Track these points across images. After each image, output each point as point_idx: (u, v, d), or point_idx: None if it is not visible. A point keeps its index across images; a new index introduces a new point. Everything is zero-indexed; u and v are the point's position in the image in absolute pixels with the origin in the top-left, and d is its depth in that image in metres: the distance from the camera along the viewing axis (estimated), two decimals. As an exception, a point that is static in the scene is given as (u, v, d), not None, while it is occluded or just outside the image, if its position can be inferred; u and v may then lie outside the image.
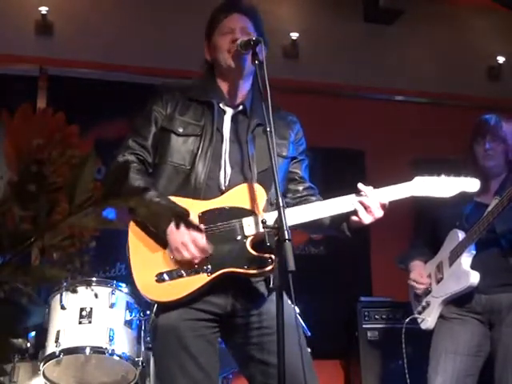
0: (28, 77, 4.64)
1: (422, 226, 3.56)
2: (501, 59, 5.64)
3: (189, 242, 2.13)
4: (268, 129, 2.10)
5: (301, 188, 2.45)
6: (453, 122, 5.23)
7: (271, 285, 2.23)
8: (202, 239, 2.14)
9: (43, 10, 4.68)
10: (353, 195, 2.24)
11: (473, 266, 3.05)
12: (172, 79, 2.85)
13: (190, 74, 2.60)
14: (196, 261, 2.15)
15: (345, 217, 2.26)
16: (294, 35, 5.19)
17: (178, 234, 2.14)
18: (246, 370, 2.29)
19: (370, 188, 2.24)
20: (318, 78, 5.24)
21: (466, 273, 3.04)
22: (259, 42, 2.23)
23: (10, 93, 4.38)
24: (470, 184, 2.43)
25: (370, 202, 2.20)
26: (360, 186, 2.24)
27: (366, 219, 2.21)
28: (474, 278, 3.01)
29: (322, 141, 4.95)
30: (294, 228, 2.10)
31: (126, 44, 4.87)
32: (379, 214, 2.21)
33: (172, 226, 2.14)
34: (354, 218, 2.22)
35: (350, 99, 5.32)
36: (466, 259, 3.07)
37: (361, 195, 2.23)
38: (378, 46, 5.45)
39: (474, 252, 3.07)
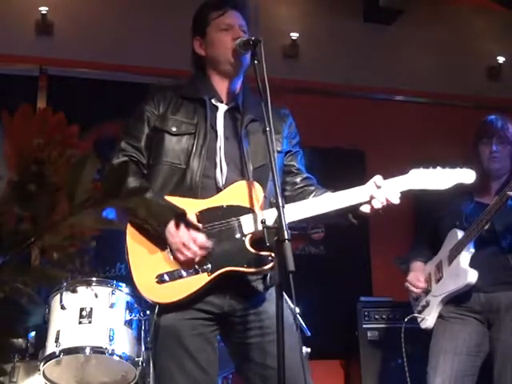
0: (28, 77, 4.64)
1: (424, 227, 3.56)
2: (501, 59, 5.64)
3: (189, 241, 2.13)
4: (268, 128, 2.10)
5: (298, 179, 2.44)
6: (453, 121, 5.24)
7: (268, 282, 2.24)
8: (201, 237, 2.15)
9: (43, 9, 4.68)
10: (365, 186, 2.23)
11: (472, 265, 3.05)
12: (171, 79, 2.85)
13: (189, 73, 2.59)
14: (197, 259, 2.15)
15: (352, 207, 2.24)
16: (294, 35, 5.19)
17: (177, 235, 2.14)
18: (243, 371, 2.28)
19: (380, 178, 2.23)
20: (318, 77, 5.24)
21: (464, 271, 3.04)
22: (259, 42, 2.22)
23: (10, 93, 4.38)
24: (466, 175, 2.38)
25: (383, 193, 2.20)
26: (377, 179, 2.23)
27: (378, 207, 2.20)
28: (472, 276, 3.01)
29: (321, 141, 4.96)
30: (304, 221, 2.18)
31: (125, 44, 4.86)
32: (395, 201, 2.20)
33: (170, 226, 2.15)
34: (366, 206, 2.21)
35: (350, 99, 5.31)
36: (464, 257, 3.07)
37: (374, 186, 2.22)
38: (378, 46, 5.44)
39: (473, 250, 3.07)
